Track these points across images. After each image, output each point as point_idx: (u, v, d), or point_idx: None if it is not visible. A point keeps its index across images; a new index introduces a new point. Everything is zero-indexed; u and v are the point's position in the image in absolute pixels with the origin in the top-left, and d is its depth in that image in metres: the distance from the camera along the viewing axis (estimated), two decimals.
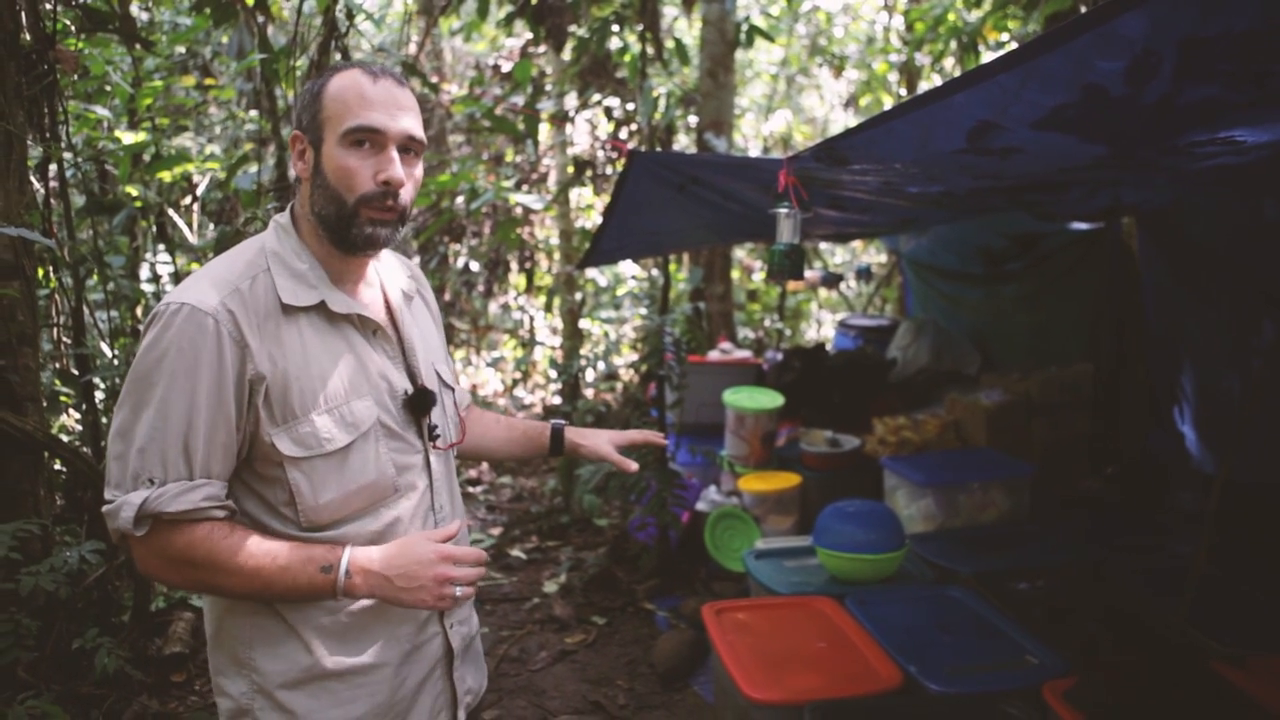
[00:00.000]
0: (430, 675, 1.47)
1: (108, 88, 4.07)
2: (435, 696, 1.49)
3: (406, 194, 1.37)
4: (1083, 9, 4.64)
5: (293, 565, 1.28)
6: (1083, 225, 4.06)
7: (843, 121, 10.67)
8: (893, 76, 9.13)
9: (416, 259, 7.64)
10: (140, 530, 1.22)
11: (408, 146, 1.36)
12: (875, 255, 9.43)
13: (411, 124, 1.36)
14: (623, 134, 7.31)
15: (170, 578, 1.29)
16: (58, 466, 3.18)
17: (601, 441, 1.76)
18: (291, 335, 1.32)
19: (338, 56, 4.03)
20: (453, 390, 1.59)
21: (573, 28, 6.07)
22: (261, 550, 1.27)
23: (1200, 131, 1.72)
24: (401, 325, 1.48)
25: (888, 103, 9.19)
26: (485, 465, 6.46)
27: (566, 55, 6.50)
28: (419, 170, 1.41)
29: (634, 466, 1.72)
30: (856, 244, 8.88)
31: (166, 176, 4.36)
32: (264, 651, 1.35)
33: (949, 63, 7.64)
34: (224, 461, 1.28)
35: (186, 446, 1.24)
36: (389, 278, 1.53)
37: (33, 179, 3.04)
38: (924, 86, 8.46)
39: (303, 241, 1.39)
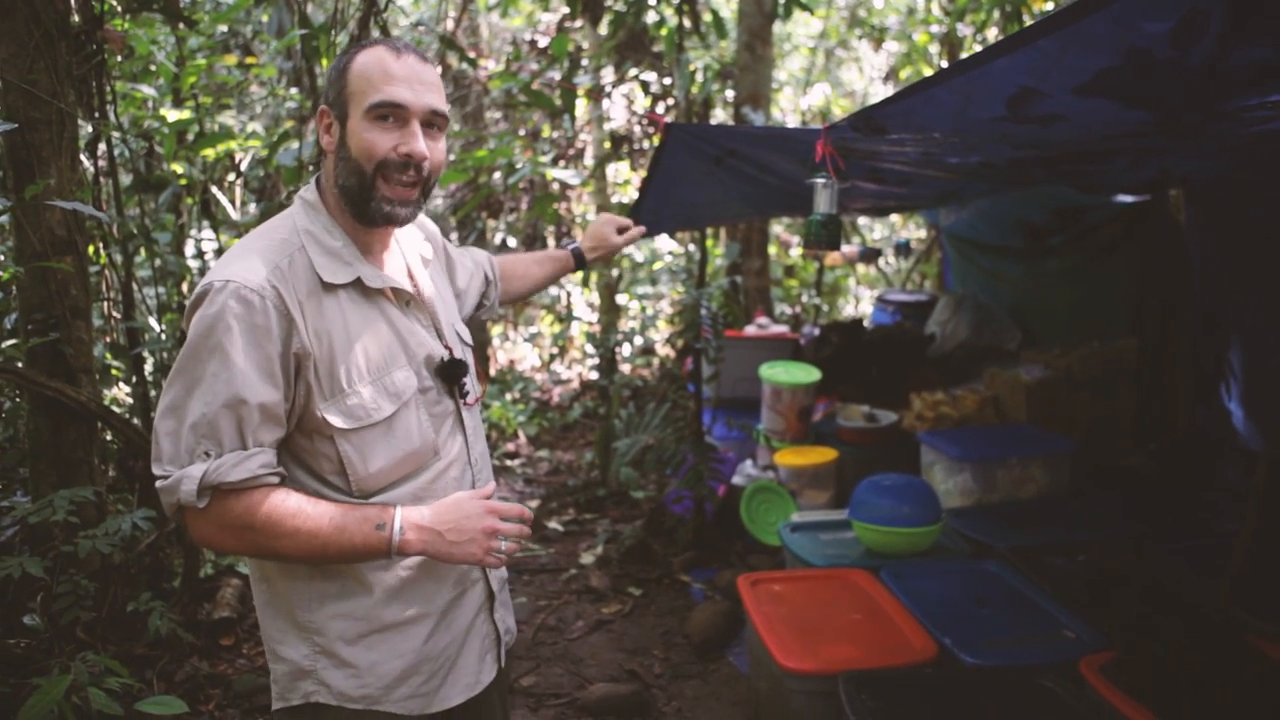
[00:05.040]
0: (476, 618, 1.54)
1: (152, 67, 4.14)
2: (482, 638, 1.55)
3: (430, 167, 1.39)
4: None
5: (349, 525, 1.32)
6: (1128, 198, 3.97)
7: (882, 95, 10.48)
8: (934, 48, 8.96)
9: (455, 235, 7.70)
10: (202, 502, 1.26)
11: (431, 121, 1.39)
12: (914, 230, 9.29)
13: (434, 99, 1.38)
14: (659, 108, 7.28)
15: (228, 544, 1.32)
16: (109, 437, 3.27)
17: (610, 236, 2.13)
18: (333, 310, 1.35)
19: (377, 33, 4.05)
20: (471, 347, 1.63)
21: (609, 2, 6.05)
22: (318, 511, 1.32)
23: (1250, 95, 1.68)
24: (424, 291, 1.52)
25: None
26: (523, 439, 6.52)
27: (603, 29, 6.48)
28: (443, 144, 1.43)
29: (643, 229, 2.16)
30: (895, 218, 8.76)
31: (210, 154, 4.44)
32: (326, 611, 1.39)
33: (992, 33, 7.48)
34: (274, 431, 1.32)
35: (240, 419, 1.27)
36: (408, 244, 1.57)
37: (82, 157, 3.11)
38: None
39: (332, 217, 1.42)
